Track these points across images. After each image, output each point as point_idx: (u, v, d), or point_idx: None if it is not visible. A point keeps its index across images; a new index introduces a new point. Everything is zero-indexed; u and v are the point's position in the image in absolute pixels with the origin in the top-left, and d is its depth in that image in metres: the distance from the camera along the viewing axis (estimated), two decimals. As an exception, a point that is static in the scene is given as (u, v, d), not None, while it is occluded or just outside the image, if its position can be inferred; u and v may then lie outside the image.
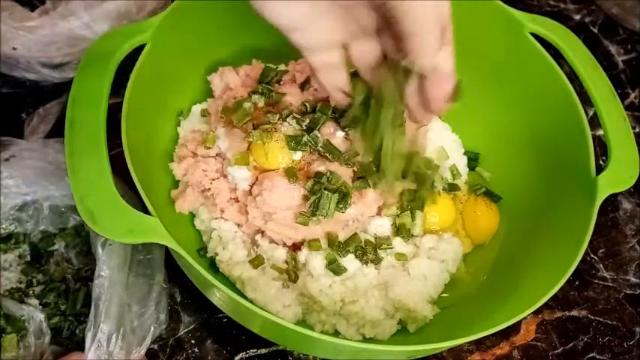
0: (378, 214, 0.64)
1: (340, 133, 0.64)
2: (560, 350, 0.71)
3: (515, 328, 0.71)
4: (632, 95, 0.93)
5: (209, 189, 0.64)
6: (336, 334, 0.63)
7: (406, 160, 0.61)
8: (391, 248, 0.63)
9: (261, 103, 0.65)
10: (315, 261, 0.61)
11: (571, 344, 0.71)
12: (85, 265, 0.67)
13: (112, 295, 0.58)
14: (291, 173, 0.61)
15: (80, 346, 0.59)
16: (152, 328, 0.62)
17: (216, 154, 0.66)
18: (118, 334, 0.58)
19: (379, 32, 0.51)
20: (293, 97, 0.67)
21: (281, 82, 0.69)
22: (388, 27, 0.49)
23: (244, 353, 0.66)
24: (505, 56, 0.73)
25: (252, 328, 0.61)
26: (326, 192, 0.60)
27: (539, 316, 0.72)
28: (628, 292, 0.76)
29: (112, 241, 0.60)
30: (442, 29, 0.48)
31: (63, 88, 0.79)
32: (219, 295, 0.58)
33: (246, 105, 0.64)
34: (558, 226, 0.64)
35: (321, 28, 0.48)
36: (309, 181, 0.61)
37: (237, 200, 0.64)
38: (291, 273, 0.62)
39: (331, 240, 0.61)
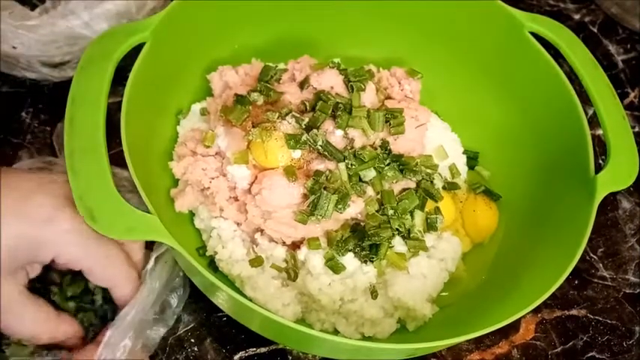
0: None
1: (339, 132, 0.64)
2: (559, 349, 0.71)
3: (514, 327, 0.71)
4: (632, 95, 0.93)
5: (208, 188, 0.64)
6: (336, 332, 0.63)
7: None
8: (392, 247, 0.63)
9: (260, 102, 0.65)
10: (314, 259, 0.61)
11: (570, 343, 0.71)
12: None
13: (136, 303, 0.57)
14: (290, 172, 0.61)
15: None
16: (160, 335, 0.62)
17: (216, 153, 0.66)
18: (136, 342, 0.57)
19: None
20: (292, 95, 0.67)
21: (280, 81, 0.69)
22: None
23: (244, 352, 0.67)
24: (505, 55, 0.73)
25: (251, 327, 0.61)
26: (325, 192, 0.60)
27: (539, 315, 0.72)
28: (627, 291, 0.76)
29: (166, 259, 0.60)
30: None
31: (63, 88, 0.79)
32: (218, 294, 0.58)
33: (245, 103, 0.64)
34: (557, 224, 0.64)
35: None
36: (309, 180, 0.61)
37: (236, 199, 0.64)
38: (291, 272, 0.62)
39: (330, 239, 0.61)
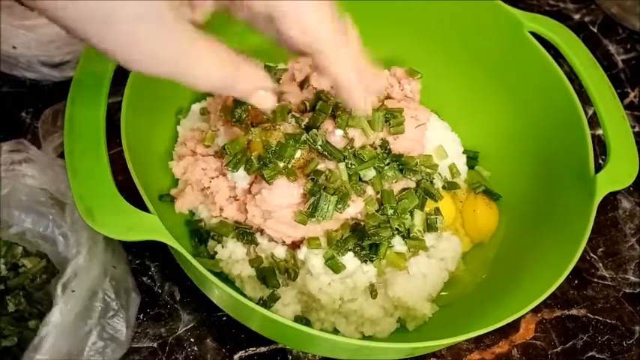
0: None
1: (339, 132, 0.64)
2: (559, 349, 0.71)
3: (514, 327, 0.71)
4: (632, 94, 0.93)
5: (208, 187, 0.64)
6: (335, 332, 0.63)
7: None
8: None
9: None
10: (314, 259, 0.61)
11: (570, 343, 0.71)
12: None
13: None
14: (290, 172, 0.61)
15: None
16: None
17: (215, 153, 0.66)
18: None
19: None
20: (292, 95, 0.67)
21: (280, 81, 0.69)
22: None
23: (244, 352, 0.67)
24: (505, 55, 0.73)
25: (251, 327, 0.61)
26: (325, 194, 0.60)
27: (539, 314, 0.72)
28: (627, 290, 0.76)
29: (74, 287, 0.54)
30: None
31: (63, 87, 0.79)
32: (218, 294, 0.58)
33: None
34: (557, 224, 0.64)
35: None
36: (308, 182, 0.61)
37: (236, 199, 0.64)
38: (291, 271, 0.62)
39: (330, 238, 0.62)
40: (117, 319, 0.60)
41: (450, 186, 0.71)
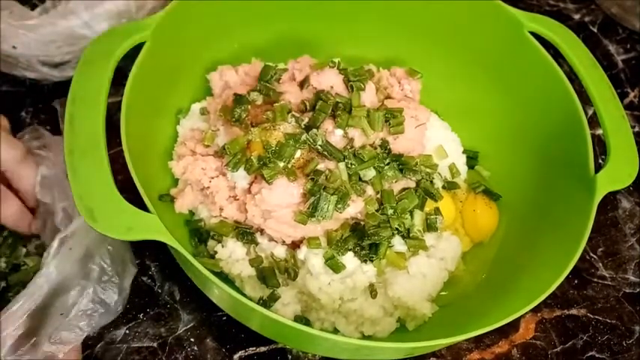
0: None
1: (339, 132, 0.64)
2: (559, 349, 0.71)
3: (514, 327, 0.71)
4: (632, 94, 0.93)
5: (208, 187, 0.64)
6: (335, 331, 0.63)
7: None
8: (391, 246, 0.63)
9: (259, 101, 0.65)
10: (314, 259, 0.61)
11: (570, 343, 0.71)
12: None
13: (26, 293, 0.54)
14: (290, 171, 0.61)
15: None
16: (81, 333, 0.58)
17: (215, 152, 0.66)
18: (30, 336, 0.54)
19: None
20: (292, 95, 0.67)
21: (280, 81, 0.69)
22: None
23: (243, 351, 0.67)
24: (505, 55, 0.73)
25: (251, 326, 0.61)
26: (324, 193, 0.60)
27: (539, 314, 0.72)
28: (627, 290, 0.76)
29: (72, 245, 0.57)
30: None
31: (63, 87, 0.79)
32: (218, 293, 0.58)
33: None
34: (557, 224, 0.64)
35: None
36: (308, 182, 0.61)
37: (236, 198, 0.64)
38: (291, 271, 0.62)
39: (330, 238, 0.62)
40: (110, 284, 0.60)
41: (450, 186, 0.71)
